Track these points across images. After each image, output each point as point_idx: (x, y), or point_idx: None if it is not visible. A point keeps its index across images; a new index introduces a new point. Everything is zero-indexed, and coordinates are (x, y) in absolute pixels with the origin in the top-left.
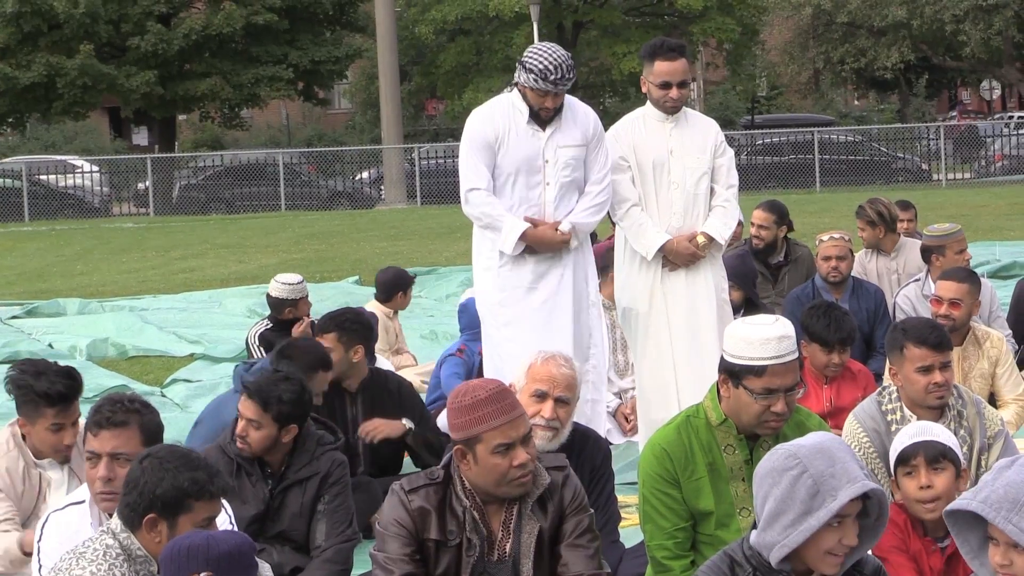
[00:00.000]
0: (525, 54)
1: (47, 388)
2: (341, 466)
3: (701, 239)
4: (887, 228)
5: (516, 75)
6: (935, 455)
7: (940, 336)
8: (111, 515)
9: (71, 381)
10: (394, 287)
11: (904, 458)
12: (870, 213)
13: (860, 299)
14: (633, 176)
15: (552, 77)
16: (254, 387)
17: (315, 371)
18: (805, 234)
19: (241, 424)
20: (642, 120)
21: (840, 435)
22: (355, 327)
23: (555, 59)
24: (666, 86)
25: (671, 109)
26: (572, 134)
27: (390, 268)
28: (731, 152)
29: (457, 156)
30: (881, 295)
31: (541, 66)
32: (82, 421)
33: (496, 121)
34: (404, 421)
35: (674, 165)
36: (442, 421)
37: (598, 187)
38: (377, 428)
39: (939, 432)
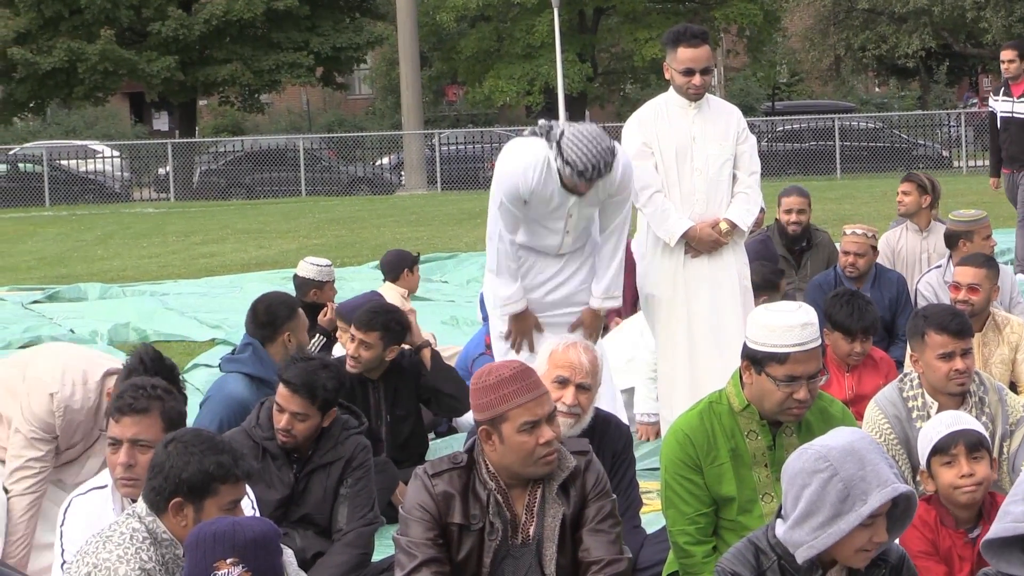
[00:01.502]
0: (565, 139)
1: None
2: (365, 450)
3: (724, 226)
4: (932, 200)
5: (551, 144)
6: (974, 443)
7: (961, 323)
8: (133, 500)
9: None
10: (399, 265)
11: (942, 447)
12: (923, 178)
13: (882, 287)
14: (656, 163)
15: (588, 175)
16: (299, 381)
17: (296, 315)
18: (826, 220)
19: (285, 419)
20: (665, 106)
21: (861, 423)
22: (399, 328)
23: (594, 158)
24: (689, 72)
25: (694, 96)
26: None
27: (391, 250)
28: (753, 139)
29: (477, 142)
30: (903, 283)
31: (582, 165)
32: None
33: (529, 178)
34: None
35: (696, 152)
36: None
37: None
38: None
39: (971, 421)
